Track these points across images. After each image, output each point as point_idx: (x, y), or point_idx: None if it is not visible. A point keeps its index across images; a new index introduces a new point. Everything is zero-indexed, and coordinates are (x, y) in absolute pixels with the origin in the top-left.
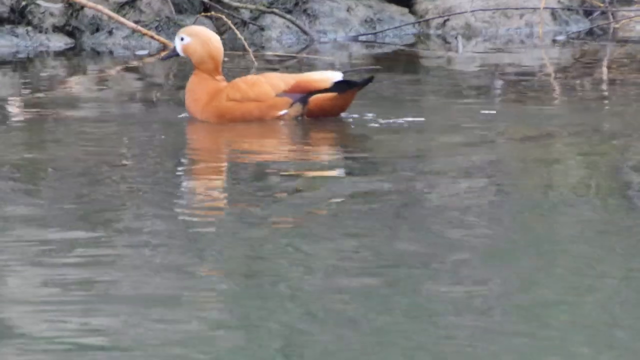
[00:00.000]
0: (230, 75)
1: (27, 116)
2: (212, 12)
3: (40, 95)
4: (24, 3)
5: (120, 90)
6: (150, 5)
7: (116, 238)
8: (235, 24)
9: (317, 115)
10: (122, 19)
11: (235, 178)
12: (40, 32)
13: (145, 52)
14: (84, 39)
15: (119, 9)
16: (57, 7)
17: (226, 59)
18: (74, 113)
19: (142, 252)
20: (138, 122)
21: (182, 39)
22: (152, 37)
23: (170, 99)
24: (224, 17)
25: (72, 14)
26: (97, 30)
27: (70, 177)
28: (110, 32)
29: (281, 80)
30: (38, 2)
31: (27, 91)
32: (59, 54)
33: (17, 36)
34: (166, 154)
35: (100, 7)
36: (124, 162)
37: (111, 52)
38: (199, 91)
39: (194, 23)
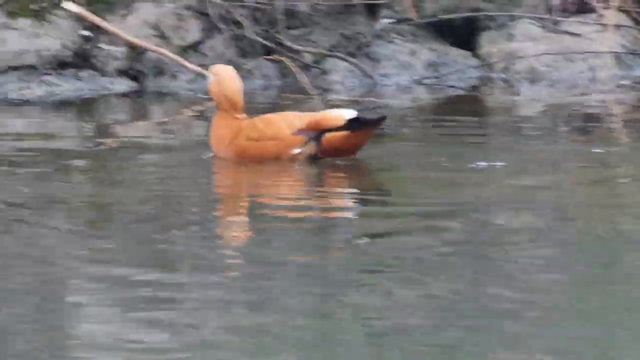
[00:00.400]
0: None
1: (92, 158)
2: (275, 55)
3: (105, 137)
4: (87, 47)
5: (183, 132)
6: (214, 48)
7: (183, 277)
8: (298, 68)
9: (331, 154)
10: (185, 62)
11: (305, 223)
12: (104, 75)
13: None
14: (148, 82)
15: (182, 52)
16: (121, 51)
17: (289, 102)
18: (138, 155)
19: (214, 292)
20: (200, 163)
21: (207, 78)
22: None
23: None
24: (286, 60)
25: (135, 58)
26: (161, 73)
27: (135, 218)
28: (174, 76)
29: (297, 118)
30: (101, 45)
31: (91, 134)
32: (122, 96)
33: (80, 80)
34: (229, 196)
35: (163, 50)
36: (185, 203)
37: (175, 94)
38: (220, 130)
39: (257, 67)
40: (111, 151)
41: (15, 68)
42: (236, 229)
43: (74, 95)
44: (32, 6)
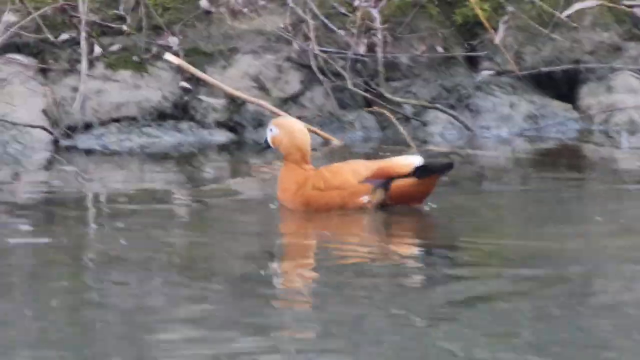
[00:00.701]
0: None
1: (190, 210)
2: (375, 107)
3: (203, 189)
4: (187, 98)
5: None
6: (313, 100)
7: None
8: (398, 119)
9: (399, 202)
10: (284, 115)
11: (372, 272)
12: (203, 127)
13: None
14: (247, 133)
15: (282, 104)
16: (220, 103)
17: (388, 153)
18: (235, 207)
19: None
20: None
21: (271, 130)
22: (315, 132)
23: None
24: (386, 112)
25: (234, 110)
26: (260, 125)
27: (230, 273)
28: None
29: (364, 167)
30: (201, 97)
31: (191, 185)
32: (222, 147)
33: (180, 131)
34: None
35: (262, 102)
36: (280, 251)
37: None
38: (287, 181)
39: (357, 118)
40: (209, 203)
41: (115, 119)
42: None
43: (173, 147)
44: (133, 58)
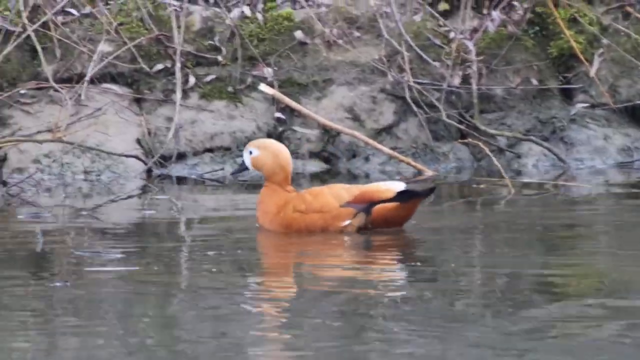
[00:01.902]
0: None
1: (284, 237)
2: (469, 139)
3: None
4: (281, 129)
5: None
6: (407, 131)
7: None
8: (492, 151)
9: (381, 226)
10: (378, 145)
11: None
12: (297, 157)
13: (400, 177)
14: (340, 164)
15: (376, 135)
16: (314, 133)
17: (482, 185)
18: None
19: None
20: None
21: (250, 152)
22: (408, 163)
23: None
24: (480, 144)
25: (328, 140)
26: (354, 156)
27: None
28: (366, 158)
29: (345, 191)
30: (295, 128)
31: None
32: (314, 176)
33: None
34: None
35: (357, 133)
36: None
37: (367, 176)
38: (268, 202)
39: (451, 150)
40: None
41: (209, 149)
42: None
43: None
44: (228, 88)
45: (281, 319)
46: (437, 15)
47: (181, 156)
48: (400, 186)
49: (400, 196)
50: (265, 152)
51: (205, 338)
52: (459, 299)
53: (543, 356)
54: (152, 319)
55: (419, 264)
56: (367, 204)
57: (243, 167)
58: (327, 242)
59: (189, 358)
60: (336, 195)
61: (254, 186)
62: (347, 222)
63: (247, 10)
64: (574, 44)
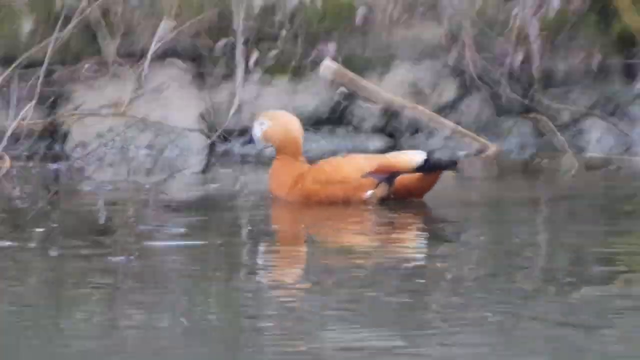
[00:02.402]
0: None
1: (349, 212)
2: (533, 114)
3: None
4: (344, 105)
5: (436, 190)
6: (470, 107)
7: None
8: (556, 126)
9: (402, 196)
10: (442, 120)
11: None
12: (360, 132)
13: (464, 152)
14: (403, 140)
15: (439, 111)
16: (377, 109)
17: (546, 159)
18: (388, 210)
19: None
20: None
21: (262, 124)
22: (472, 137)
23: (488, 200)
24: (544, 118)
25: (392, 115)
26: (417, 131)
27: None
28: (430, 133)
29: (365, 161)
30: (358, 103)
31: None
32: (378, 152)
33: (337, 137)
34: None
35: (420, 108)
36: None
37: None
38: (283, 174)
39: (514, 126)
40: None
41: None
42: None
43: (329, 152)
44: (291, 64)
45: (347, 294)
46: None
47: (243, 132)
48: (422, 156)
49: (423, 167)
50: (277, 124)
51: (269, 313)
52: (523, 273)
53: (610, 332)
54: (215, 294)
55: (482, 238)
56: (389, 175)
57: (253, 139)
58: (385, 215)
59: (253, 333)
60: (356, 165)
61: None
62: (369, 193)
63: None
64: (632, 22)
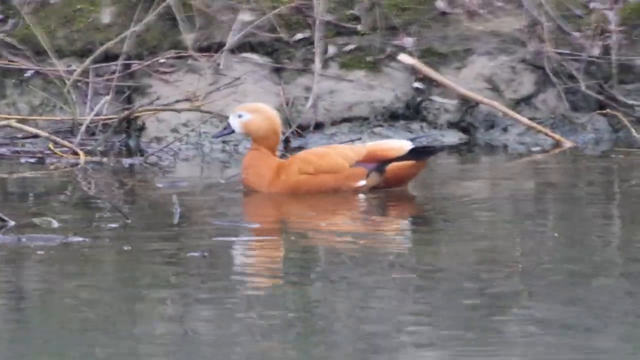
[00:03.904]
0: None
1: (418, 211)
2: (608, 110)
3: (432, 190)
4: (419, 99)
5: (514, 187)
6: (546, 102)
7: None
8: (630, 122)
9: (394, 185)
10: (517, 116)
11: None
12: (435, 127)
13: (539, 148)
14: (478, 134)
15: (515, 105)
16: (452, 104)
17: (621, 155)
18: (465, 209)
19: None
20: (533, 216)
21: (240, 116)
22: (546, 134)
23: (565, 196)
24: (619, 114)
25: (466, 110)
26: (492, 126)
27: (459, 275)
28: (504, 129)
29: (352, 151)
30: (433, 98)
31: (417, 186)
32: (452, 148)
33: (411, 132)
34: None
35: (495, 103)
36: (514, 260)
37: (505, 147)
38: (262, 166)
39: (589, 121)
40: (447, 205)
41: (347, 119)
42: None
43: None
44: (367, 58)
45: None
46: None
47: (319, 126)
48: (408, 144)
49: (411, 154)
50: (260, 116)
51: (339, 312)
52: (575, 264)
53: None
54: (292, 293)
55: (556, 234)
56: (378, 163)
57: (229, 131)
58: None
59: (327, 332)
60: (344, 155)
61: None
62: (362, 182)
63: None
64: None
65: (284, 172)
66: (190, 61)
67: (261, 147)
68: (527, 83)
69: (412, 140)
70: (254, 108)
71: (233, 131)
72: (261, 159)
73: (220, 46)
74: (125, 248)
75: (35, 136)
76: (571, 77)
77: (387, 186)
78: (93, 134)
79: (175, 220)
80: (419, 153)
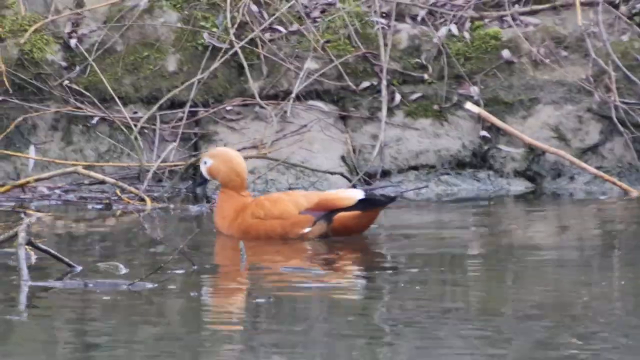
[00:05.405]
0: None
1: (489, 259)
2: None
3: (499, 237)
4: (486, 147)
5: (580, 235)
6: (613, 151)
7: None
8: None
9: (341, 234)
10: (584, 165)
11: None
12: (501, 176)
13: (606, 197)
14: (545, 183)
15: (581, 154)
16: (519, 152)
17: None
18: (531, 256)
19: None
20: (597, 267)
21: (205, 163)
22: (614, 182)
23: (632, 243)
24: None
25: (533, 159)
26: (559, 175)
27: (527, 320)
28: (571, 178)
29: (304, 198)
30: (500, 146)
31: (487, 234)
32: (518, 197)
33: (478, 180)
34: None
35: (562, 152)
36: (577, 308)
37: (571, 196)
38: (226, 207)
39: None
40: (505, 252)
41: (413, 167)
42: None
43: (471, 195)
44: (433, 106)
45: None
46: None
47: (385, 174)
48: (359, 194)
49: (361, 204)
50: (218, 160)
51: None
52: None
53: None
54: (356, 338)
55: (603, 283)
56: (326, 212)
57: (203, 179)
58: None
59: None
60: (295, 202)
61: (459, 203)
62: (307, 230)
63: (454, 29)
64: None
65: (241, 215)
66: (256, 108)
67: (227, 189)
68: (593, 132)
69: (369, 190)
70: (214, 153)
71: (206, 179)
72: (226, 201)
73: (286, 94)
74: (192, 294)
75: (102, 182)
76: (638, 127)
77: (336, 235)
78: (160, 180)
79: (243, 264)
80: (368, 203)
